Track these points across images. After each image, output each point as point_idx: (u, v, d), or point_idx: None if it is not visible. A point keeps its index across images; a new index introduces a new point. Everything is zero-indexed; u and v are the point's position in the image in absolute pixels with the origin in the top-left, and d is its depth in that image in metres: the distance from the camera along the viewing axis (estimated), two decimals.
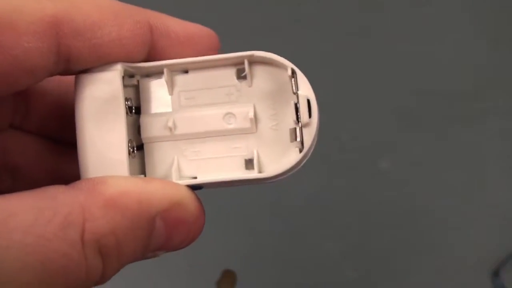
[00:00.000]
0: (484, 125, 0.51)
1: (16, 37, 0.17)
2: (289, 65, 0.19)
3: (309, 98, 0.19)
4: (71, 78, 0.20)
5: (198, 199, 0.19)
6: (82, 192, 0.17)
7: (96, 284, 0.17)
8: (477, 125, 0.51)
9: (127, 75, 0.19)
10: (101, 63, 0.19)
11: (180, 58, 0.20)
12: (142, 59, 0.19)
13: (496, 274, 0.48)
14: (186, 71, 0.20)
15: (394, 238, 0.50)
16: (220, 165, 0.20)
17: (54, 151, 0.23)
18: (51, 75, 0.18)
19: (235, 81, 0.20)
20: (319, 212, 0.50)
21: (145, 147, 0.20)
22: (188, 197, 0.18)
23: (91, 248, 0.16)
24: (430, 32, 0.54)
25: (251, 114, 0.20)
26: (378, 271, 0.49)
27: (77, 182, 0.18)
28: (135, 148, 0.19)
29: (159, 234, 0.18)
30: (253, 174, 0.19)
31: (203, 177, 0.20)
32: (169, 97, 0.20)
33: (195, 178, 0.20)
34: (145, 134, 0.20)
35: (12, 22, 0.17)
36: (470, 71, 0.52)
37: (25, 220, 0.15)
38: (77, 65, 0.18)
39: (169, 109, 0.20)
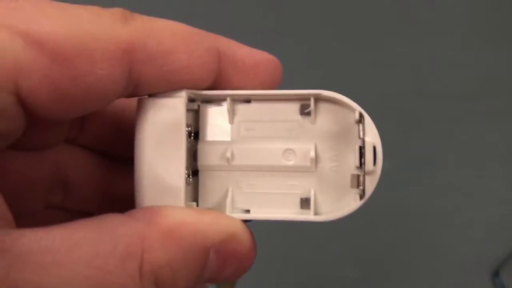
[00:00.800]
0: (484, 125, 0.51)
1: (91, 64, 0.17)
2: (357, 108, 0.19)
3: (375, 145, 0.19)
4: None
5: (251, 233, 0.19)
6: (140, 222, 0.17)
7: None
8: (477, 125, 0.51)
9: (189, 100, 0.19)
10: (168, 88, 0.19)
11: (244, 85, 0.20)
12: (207, 86, 0.19)
13: (496, 274, 0.48)
14: (248, 101, 0.20)
15: (394, 238, 0.50)
16: (274, 201, 0.20)
17: (106, 167, 0.23)
18: (119, 98, 0.18)
19: (298, 116, 0.20)
20: None
21: (200, 174, 0.20)
22: (242, 230, 0.18)
23: (148, 280, 0.16)
24: (430, 32, 0.54)
25: (312, 153, 0.19)
26: (378, 271, 0.49)
27: (135, 211, 0.18)
28: (190, 175, 0.19)
29: (212, 266, 0.18)
30: (309, 216, 0.19)
31: (257, 213, 0.19)
32: (229, 126, 0.20)
33: (248, 211, 0.20)
34: (202, 161, 0.20)
35: (88, 49, 0.17)
36: (470, 71, 0.52)
37: (88, 251, 0.16)
38: (145, 90, 0.18)
39: (228, 138, 0.20)
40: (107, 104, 0.18)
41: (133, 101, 0.19)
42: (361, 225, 0.50)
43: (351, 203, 0.19)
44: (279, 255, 0.49)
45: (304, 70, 0.46)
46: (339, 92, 0.19)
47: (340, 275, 0.49)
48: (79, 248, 0.15)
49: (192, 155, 0.20)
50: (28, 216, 0.21)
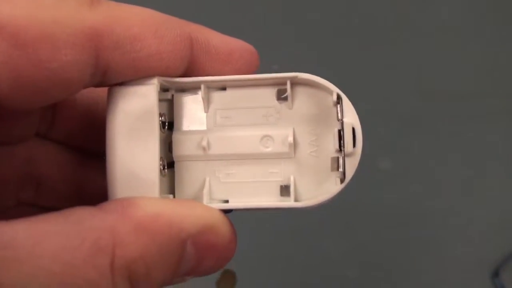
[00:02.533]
0: (484, 125, 0.51)
1: (54, 50, 0.16)
2: (335, 89, 0.18)
3: (354, 127, 0.18)
4: (100, 88, 0.19)
5: (231, 223, 0.18)
6: (111, 214, 0.16)
7: None
8: (477, 125, 0.51)
9: (162, 89, 0.19)
10: (138, 76, 0.18)
11: (219, 74, 0.19)
12: (180, 74, 0.19)
13: (496, 274, 0.48)
14: (223, 88, 0.19)
15: (394, 238, 0.49)
16: (253, 189, 0.19)
17: (79, 162, 0.22)
18: (86, 87, 0.18)
19: (275, 102, 0.19)
20: (319, 212, 0.50)
21: (175, 165, 0.19)
22: (221, 221, 0.18)
23: (121, 275, 0.16)
24: (430, 32, 0.54)
25: (291, 139, 0.19)
26: (378, 271, 0.49)
27: (106, 204, 0.17)
28: (165, 166, 0.19)
29: (189, 259, 0.17)
30: (289, 203, 0.18)
31: (235, 203, 0.19)
32: (204, 114, 0.19)
33: (226, 201, 0.19)
34: (177, 152, 0.19)
35: (52, 34, 0.16)
36: (470, 71, 0.52)
37: (53, 246, 0.15)
38: (114, 78, 0.18)
39: (204, 127, 0.19)
40: (74, 93, 0.18)
41: (106, 93, 0.19)
42: (361, 225, 0.50)
43: (332, 188, 0.18)
44: (279, 255, 0.49)
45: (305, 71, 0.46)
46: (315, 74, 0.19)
47: (340, 275, 0.49)
48: (44, 242, 0.15)
49: (168, 147, 0.19)
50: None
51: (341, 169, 0.18)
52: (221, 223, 0.18)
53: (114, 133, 0.18)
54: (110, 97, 0.18)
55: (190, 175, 0.19)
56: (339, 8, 0.54)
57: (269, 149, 0.19)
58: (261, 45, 0.21)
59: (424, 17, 0.54)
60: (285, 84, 0.19)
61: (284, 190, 0.19)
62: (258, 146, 0.19)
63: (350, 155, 0.18)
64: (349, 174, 0.18)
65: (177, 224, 0.17)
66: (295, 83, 0.19)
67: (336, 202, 0.48)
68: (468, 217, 0.49)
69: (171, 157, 0.19)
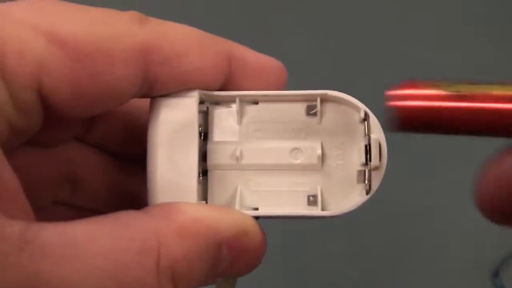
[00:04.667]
0: None
1: (109, 64, 0.17)
2: (363, 107, 0.20)
3: (380, 142, 0.19)
4: None
5: (261, 229, 0.19)
6: (156, 218, 0.17)
7: None
8: None
9: (199, 102, 0.20)
10: (181, 89, 0.19)
11: (251, 88, 0.20)
12: (218, 88, 0.20)
13: (496, 274, 0.48)
14: (256, 102, 0.20)
15: (394, 238, 0.50)
16: (282, 198, 0.20)
17: (114, 166, 0.23)
18: (133, 97, 0.19)
19: (305, 117, 0.20)
20: None
21: (209, 173, 0.20)
22: (253, 225, 0.19)
23: (165, 274, 0.17)
24: (430, 32, 0.54)
25: (319, 151, 0.20)
26: (378, 271, 0.49)
27: (150, 208, 0.18)
28: (201, 174, 0.20)
29: (225, 260, 0.18)
30: (316, 212, 0.19)
31: (265, 210, 0.20)
32: (237, 126, 0.21)
33: (256, 209, 0.20)
34: (212, 161, 0.20)
35: (107, 49, 0.17)
36: (470, 71, 0.52)
37: (105, 246, 0.16)
38: (159, 90, 0.19)
39: (236, 138, 0.21)
40: (123, 103, 0.19)
41: (143, 101, 0.20)
42: (360, 225, 0.50)
43: (357, 198, 0.19)
44: (279, 256, 0.49)
45: (306, 70, 0.46)
46: (343, 92, 0.20)
47: (340, 275, 0.49)
48: (98, 242, 0.16)
49: (202, 156, 0.20)
50: (36, 211, 0.21)
51: (367, 181, 0.19)
52: (253, 227, 0.19)
53: (156, 142, 0.19)
54: (153, 107, 0.19)
55: (223, 183, 0.20)
56: (340, 8, 0.54)
57: (298, 161, 0.20)
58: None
59: (424, 17, 0.54)
60: (314, 100, 0.20)
61: (311, 200, 0.20)
62: (288, 157, 0.20)
63: (376, 168, 0.19)
64: (375, 186, 0.19)
65: (215, 228, 0.18)
66: (324, 99, 0.20)
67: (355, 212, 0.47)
68: (468, 217, 0.49)
69: (205, 165, 0.20)
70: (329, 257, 0.50)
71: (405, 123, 0.17)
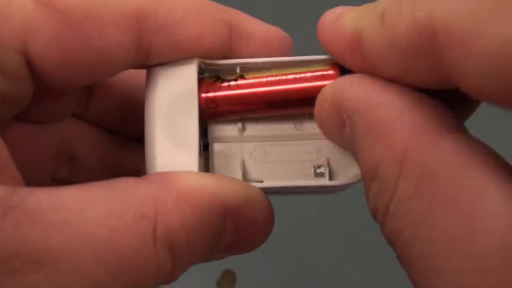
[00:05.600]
0: (484, 125, 0.51)
1: (101, 29, 0.17)
2: None
3: None
4: (136, 70, 0.20)
5: (269, 201, 0.18)
6: (155, 185, 0.16)
7: (164, 283, 0.16)
8: (477, 125, 0.51)
9: (199, 72, 0.19)
10: (178, 58, 0.18)
11: (255, 57, 0.19)
12: (218, 58, 0.19)
13: None
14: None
15: None
16: (288, 170, 0.19)
17: (112, 143, 0.23)
18: (128, 68, 0.18)
19: None
20: (319, 212, 0.50)
21: (210, 146, 0.20)
22: (260, 196, 0.18)
23: (163, 244, 0.16)
24: None
25: None
26: (378, 271, 0.49)
27: (149, 175, 0.17)
28: (202, 147, 0.19)
29: (229, 233, 0.17)
30: (324, 181, 0.19)
31: (270, 182, 0.19)
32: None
33: (261, 181, 0.19)
34: (213, 133, 0.20)
35: (99, 14, 0.17)
36: None
37: (99, 211, 0.15)
38: (155, 59, 0.18)
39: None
40: (117, 73, 0.18)
41: (141, 78, 0.19)
42: (360, 225, 0.50)
43: None
44: (279, 255, 0.49)
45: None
46: None
47: (340, 275, 0.49)
48: (90, 207, 0.15)
49: (203, 130, 0.20)
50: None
51: None
52: (261, 198, 0.18)
53: (154, 111, 0.18)
54: (149, 77, 0.19)
55: (225, 156, 0.20)
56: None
57: (303, 131, 0.19)
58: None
59: None
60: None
61: (318, 170, 0.19)
62: (292, 128, 0.19)
63: None
64: None
65: (219, 197, 0.17)
66: (328, 65, 0.19)
67: (337, 202, 0.47)
68: None
69: (206, 139, 0.20)
70: (328, 256, 0.50)
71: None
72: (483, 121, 0.51)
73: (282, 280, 0.49)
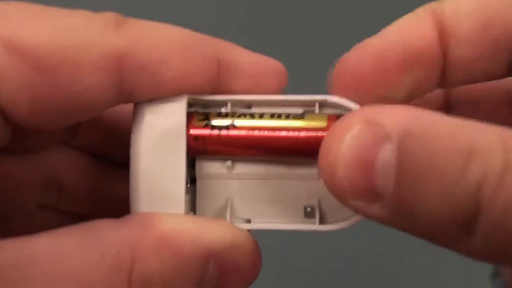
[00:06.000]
0: None
1: (77, 74, 0.16)
2: None
3: None
4: None
5: (256, 244, 0.18)
6: (133, 228, 0.16)
7: None
8: None
9: (188, 106, 0.18)
10: (164, 96, 0.18)
11: (247, 92, 0.19)
12: (206, 93, 0.18)
13: (496, 274, 0.48)
14: (249, 107, 0.19)
15: (394, 237, 0.49)
16: (276, 210, 0.19)
17: (100, 170, 0.22)
18: (111, 106, 0.17)
19: None
20: None
21: (198, 182, 0.19)
22: (246, 239, 0.17)
23: None
24: None
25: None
26: (378, 271, 0.49)
27: (128, 217, 0.17)
28: (188, 183, 0.18)
29: (210, 279, 0.17)
30: (314, 226, 0.18)
31: (258, 224, 0.18)
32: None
33: (249, 221, 0.19)
34: (201, 169, 0.19)
35: (75, 59, 0.16)
36: None
37: (72, 263, 0.15)
38: (139, 98, 0.18)
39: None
40: (98, 113, 0.18)
41: (130, 105, 0.19)
42: (360, 225, 0.50)
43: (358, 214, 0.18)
44: (278, 255, 0.49)
45: (310, 66, 0.46)
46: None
47: (340, 275, 0.49)
48: (64, 259, 0.15)
49: (190, 162, 0.19)
50: (21, 216, 0.20)
51: None
52: (246, 241, 0.17)
53: (140, 149, 0.18)
54: (136, 112, 0.18)
55: (213, 192, 0.19)
56: (338, 6, 0.54)
57: (294, 171, 0.19)
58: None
59: None
60: (312, 105, 0.19)
61: (308, 211, 0.19)
62: (283, 167, 0.19)
63: None
64: None
65: (201, 241, 0.16)
66: (323, 105, 0.19)
67: None
68: None
69: (193, 173, 0.19)
70: (328, 256, 0.50)
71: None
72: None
73: (282, 280, 0.49)
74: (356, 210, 0.16)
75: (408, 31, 0.18)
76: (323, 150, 0.16)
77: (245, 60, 0.19)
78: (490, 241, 0.14)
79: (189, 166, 0.19)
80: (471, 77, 0.18)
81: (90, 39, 0.16)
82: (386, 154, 0.14)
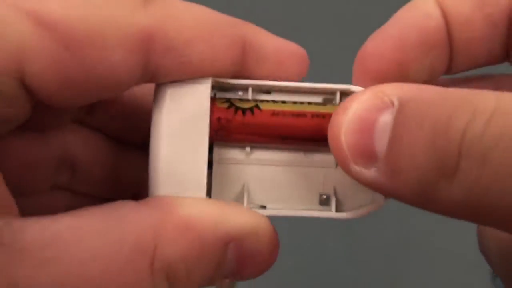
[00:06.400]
0: None
1: (104, 52, 0.16)
2: None
3: None
4: None
5: (275, 230, 0.18)
6: (155, 212, 0.16)
7: None
8: None
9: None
10: (188, 77, 0.18)
11: (267, 78, 0.19)
12: (230, 77, 0.19)
13: (496, 274, 0.48)
14: (269, 92, 0.19)
15: (393, 237, 0.49)
16: (292, 196, 0.19)
17: (115, 150, 0.22)
18: (135, 85, 0.17)
19: None
20: None
21: (214, 166, 0.19)
22: (266, 227, 0.17)
23: (160, 276, 0.15)
24: None
25: None
26: (378, 271, 0.49)
27: (149, 199, 0.17)
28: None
29: (229, 264, 0.17)
30: (330, 213, 0.18)
31: (273, 210, 0.19)
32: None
33: (264, 206, 0.19)
34: (219, 154, 0.19)
35: (102, 36, 0.16)
36: (470, 71, 0.52)
37: (94, 245, 0.15)
38: (163, 78, 0.18)
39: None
40: (121, 92, 0.17)
41: (148, 85, 0.19)
42: (360, 225, 0.50)
43: (374, 200, 0.18)
44: (279, 255, 0.49)
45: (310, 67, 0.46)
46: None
47: (339, 275, 0.49)
48: (86, 240, 0.15)
49: (209, 148, 0.19)
50: (34, 195, 0.20)
51: None
52: (267, 229, 0.17)
53: (161, 129, 0.18)
54: (158, 94, 0.18)
55: (229, 177, 0.19)
56: (338, 6, 0.54)
57: (312, 158, 0.19)
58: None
59: None
60: (333, 94, 0.19)
61: (323, 198, 0.19)
62: (302, 155, 0.19)
63: None
64: None
65: (222, 226, 0.16)
66: (343, 94, 0.19)
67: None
68: None
69: (210, 157, 0.19)
70: (328, 256, 0.49)
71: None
72: None
73: (282, 280, 0.49)
74: (355, 177, 0.16)
75: (420, 14, 0.18)
76: (331, 120, 0.16)
77: (270, 44, 0.19)
78: (469, 188, 0.15)
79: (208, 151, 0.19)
80: (474, 60, 0.19)
81: (117, 16, 0.16)
82: (386, 117, 0.15)
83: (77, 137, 0.21)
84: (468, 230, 0.49)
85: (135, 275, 0.15)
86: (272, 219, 0.18)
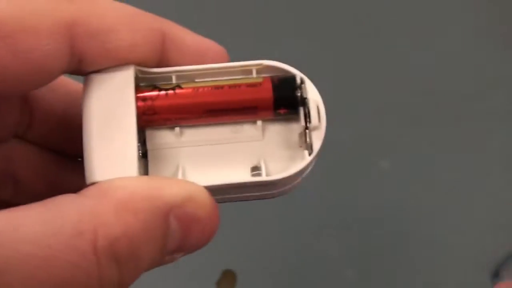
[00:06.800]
0: (484, 125, 0.51)
1: (36, 40, 0.17)
2: (298, 74, 0.20)
3: (318, 104, 0.19)
4: (77, 88, 0.20)
5: (210, 195, 0.18)
6: (92, 198, 0.16)
7: None
8: (477, 125, 0.51)
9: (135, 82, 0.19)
10: (112, 65, 0.19)
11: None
12: (152, 66, 0.20)
13: (496, 274, 0.48)
14: (193, 81, 0.20)
15: (393, 238, 0.50)
16: (225, 172, 0.20)
17: (57, 164, 0.23)
18: (63, 73, 0.18)
19: None
20: (319, 212, 0.50)
21: (149, 154, 0.20)
22: (200, 191, 0.18)
23: (105, 255, 0.16)
24: (431, 32, 0.54)
25: (259, 122, 0.20)
26: (378, 271, 0.49)
27: (85, 190, 0.17)
28: (140, 153, 0.19)
29: (174, 233, 0.17)
30: (260, 178, 0.19)
31: (207, 181, 0.19)
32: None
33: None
34: (152, 141, 0.20)
35: (33, 25, 0.17)
36: (470, 71, 0.52)
37: (33, 230, 0.15)
38: (89, 66, 0.18)
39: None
40: (52, 80, 0.18)
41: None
42: (360, 225, 0.50)
43: (301, 161, 0.19)
44: (279, 255, 0.49)
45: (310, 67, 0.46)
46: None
47: (339, 275, 0.49)
48: (24, 227, 0.15)
49: (142, 139, 0.20)
50: None
51: (308, 141, 0.19)
52: (201, 193, 0.18)
53: (90, 119, 0.18)
54: (87, 84, 0.19)
55: (164, 161, 0.20)
56: (342, 6, 0.54)
57: (239, 134, 0.20)
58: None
59: (424, 17, 0.54)
60: (250, 73, 0.20)
61: (255, 170, 0.20)
62: (229, 132, 0.20)
63: (315, 128, 0.19)
64: (316, 147, 0.19)
65: (157, 198, 0.17)
66: (260, 71, 0.20)
67: (337, 202, 0.47)
68: (468, 217, 0.49)
69: (144, 148, 0.20)
70: (328, 256, 0.50)
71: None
72: (485, 120, 0.51)
73: (282, 280, 0.49)
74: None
75: None
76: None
77: (189, 37, 0.20)
78: None
79: (139, 140, 0.19)
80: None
81: (46, 7, 0.17)
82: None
83: (17, 151, 0.22)
84: (468, 230, 0.49)
85: (79, 255, 0.15)
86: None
